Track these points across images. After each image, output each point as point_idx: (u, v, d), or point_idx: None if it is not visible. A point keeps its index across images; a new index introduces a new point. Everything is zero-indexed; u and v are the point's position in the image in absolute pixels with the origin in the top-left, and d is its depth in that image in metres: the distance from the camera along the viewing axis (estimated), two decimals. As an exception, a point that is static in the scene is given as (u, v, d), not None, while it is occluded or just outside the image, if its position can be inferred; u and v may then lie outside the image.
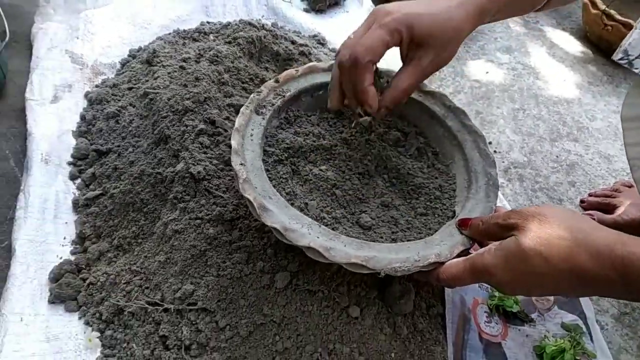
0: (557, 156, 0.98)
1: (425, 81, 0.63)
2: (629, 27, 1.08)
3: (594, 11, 1.13)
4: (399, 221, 0.59)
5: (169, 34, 1.05)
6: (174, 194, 0.65)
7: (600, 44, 1.20)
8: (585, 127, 1.05)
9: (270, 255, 0.60)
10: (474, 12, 0.56)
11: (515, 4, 0.60)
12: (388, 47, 0.55)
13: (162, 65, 0.91)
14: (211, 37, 1.01)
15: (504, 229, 0.49)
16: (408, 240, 0.56)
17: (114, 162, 0.78)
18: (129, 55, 1.04)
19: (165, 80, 0.85)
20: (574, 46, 1.26)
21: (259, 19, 1.08)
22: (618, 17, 1.09)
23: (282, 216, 0.51)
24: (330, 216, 0.57)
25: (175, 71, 0.87)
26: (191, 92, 0.75)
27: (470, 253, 0.53)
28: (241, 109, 0.60)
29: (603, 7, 1.10)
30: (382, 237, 0.56)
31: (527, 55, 1.21)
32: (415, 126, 0.69)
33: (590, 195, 0.90)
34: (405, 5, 0.55)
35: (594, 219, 0.85)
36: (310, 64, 0.67)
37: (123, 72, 1.00)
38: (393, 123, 0.69)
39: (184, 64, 0.88)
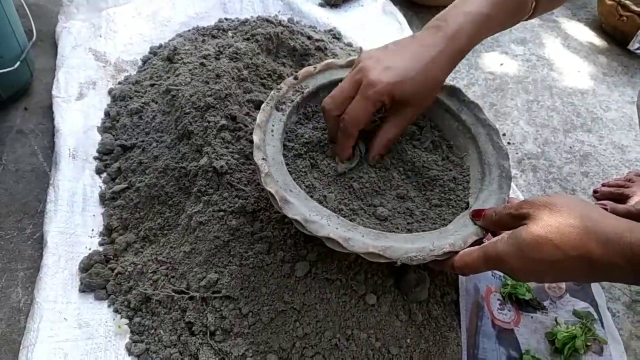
0: (570, 147, 0.99)
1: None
2: (644, 17, 1.09)
3: (609, 2, 1.13)
4: (414, 212, 0.61)
5: (189, 31, 1.08)
6: (198, 187, 0.68)
7: (616, 35, 1.20)
8: (599, 117, 1.05)
9: (290, 245, 0.63)
10: (452, 60, 0.60)
11: (495, 29, 0.63)
12: (372, 114, 0.60)
13: (182, 62, 0.94)
14: (229, 34, 1.03)
15: (516, 218, 0.51)
16: (423, 231, 0.59)
17: (139, 156, 0.81)
18: (149, 53, 1.08)
19: (186, 77, 0.88)
20: (589, 37, 1.26)
21: (276, 15, 1.11)
22: (634, 7, 1.09)
23: (302, 208, 0.54)
24: (348, 208, 0.60)
25: (196, 68, 0.89)
26: (212, 89, 0.77)
27: (484, 242, 0.55)
28: (262, 106, 0.62)
29: (618, -3, 1.11)
30: (398, 228, 0.59)
31: (542, 46, 1.21)
32: (429, 120, 0.71)
33: (603, 185, 0.91)
34: (385, 68, 0.58)
35: (606, 209, 0.86)
36: (328, 61, 0.69)
37: (144, 69, 1.03)
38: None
39: (204, 60, 0.90)
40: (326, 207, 0.58)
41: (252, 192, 0.66)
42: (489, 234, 0.58)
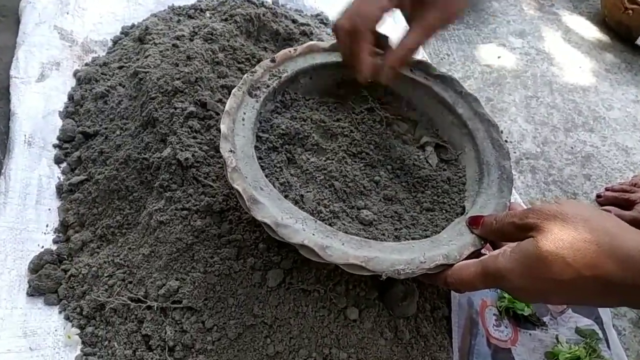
0: (571, 147, 0.93)
1: (434, 64, 0.58)
2: (652, 11, 1.02)
3: (614, -6, 1.07)
4: (402, 217, 0.54)
5: (164, 10, 1.00)
6: (160, 181, 0.60)
7: (620, 29, 1.13)
8: (601, 116, 0.99)
9: (262, 250, 0.55)
10: None
11: None
12: (388, 11, 0.54)
13: (154, 43, 0.86)
14: (207, 14, 0.95)
15: (521, 229, 0.44)
16: (413, 238, 0.52)
17: (100, 145, 0.73)
18: (121, 33, 0.99)
19: (156, 59, 0.80)
20: (591, 31, 1.19)
21: (259, -5, 1.02)
22: (640, 0, 1.02)
23: (274, 209, 0.46)
24: (327, 210, 0.52)
25: (168, 49, 0.81)
26: (182, 71, 0.69)
27: (483, 254, 0.48)
28: (233, 90, 0.55)
29: (624, -11, 1.04)
30: (384, 234, 0.52)
31: (542, 40, 1.15)
32: (422, 114, 0.64)
33: (607, 189, 0.85)
34: None
35: (610, 215, 0.80)
36: (310, 42, 0.62)
37: (114, 50, 0.95)
38: (396, 109, 0.64)
39: (177, 42, 0.82)
40: (302, 208, 0.51)
41: (221, 189, 0.58)
42: (488, 244, 0.51)
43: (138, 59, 0.85)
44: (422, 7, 0.54)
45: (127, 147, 0.67)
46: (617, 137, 0.95)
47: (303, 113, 0.60)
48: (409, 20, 0.57)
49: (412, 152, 0.59)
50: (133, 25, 1.00)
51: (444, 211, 0.56)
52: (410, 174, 0.58)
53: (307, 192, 0.53)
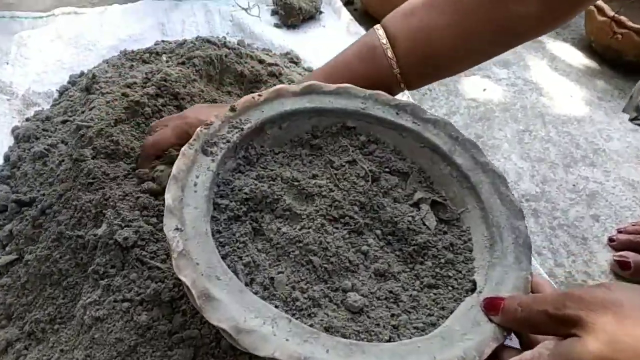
0: (574, 185, 0.84)
1: (416, 101, 0.49)
2: (643, 34, 0.96)
3: (600, 18, 1.00)
4: (400, 297, 0.43)
5: (115, 56, 0.90)
6: (95, 266, 0.48)
7: (607, 55, 1.07)
8: (601, 149, 0.91)
9: (225, 349, 0.44)
10: None
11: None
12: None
13: (100, 93, 0.75)
14: (164, 57, 0.85)
15: (558, 322, 0.34)
16: (415, 328, 0.41)
17: (36, 217, 0.61)
18: (68, 82, 0.89)
19: (101, 112, 0.69)
20: (578, 58, 1.13)
21: (223, 37, 0.93)
22: (630, 23, 0.96)
23: (234, 307, 0.35)
24: (305, 296, 0.41)
25: (116, 99, 0.71)
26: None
27: (509, 348, 0.38)
28: (182, 149, 0.44)
29: (612, 13, 0.98)
30: (378, 325, 0.41)
31: (527, 69, 1.08)
32: (413, 163, 0.54)
33: (619, 231, 0.76)
34: None
35: (628, 263, 0.70)
36: (277, 86, 0.52)
37: (59, 103, 0.84)
38: (382, 160, 0.53)
39: (127, 90, 0.72)
40: (274, 296, 0.40)
41: (172, 271, 0.47)
42: (513, 334, 0.40)
43: (83, 112, 0.75)
44: None
45: (63, 221, 0.56)
46: (621, 171, 0.87)
47: (271, 170, 0.49)
48: None
49: (405, 212, 0.49)
50: (82, 74, 0.90)
51: (449, 287, 0.45)
52: (405, 241, 0.48)
53: (279, 272, 0.42)
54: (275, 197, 0.47)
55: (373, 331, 0.40)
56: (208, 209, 0.42)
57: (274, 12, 1.11)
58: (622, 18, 0.97)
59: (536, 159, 0.88)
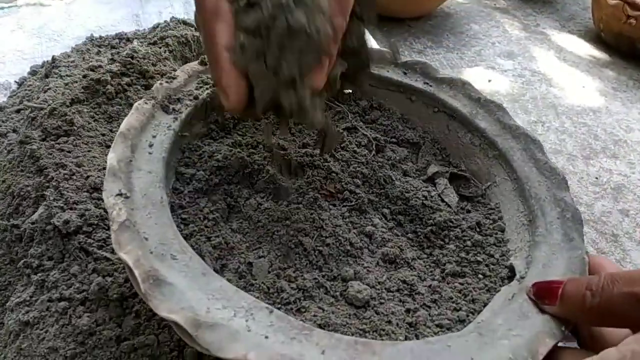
0: (596, 177, 0.75)
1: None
2: (660, 16, 0.88)
3: (612, 2, 0.93)
4: (416, 289, 0.33)
5: (81, 42, 0.81)
6: (28, 258, 0.38)
7: (620, 43, 0.99)
8: (622, 140, 0.82)
9: (191, 359, 0.33)
10: None
11: None
12: None
13: (60, 76, 0.66)
14: (135, 42, 0.76)
15: None
16: (438, 325, 0.31)
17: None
18: (29, 73, 0.80)
19: (57, 93, 0.60)
20: (586, 49, 1.05)
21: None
22: (645, 5, 0.89)
23: (193, 295, 0.25)
24: (293, 286, 0.31)
25: (75, 82, 0.62)
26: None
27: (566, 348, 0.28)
28: (136, 104, 0.34)
29: (624, -5, 0.91)
30: (390, 322, 0.30)
31: (533, 60, 1.00)
32: (425, 132, 0.45)
33: (655, 226, 0.66)
34: None
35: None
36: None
37: (17, 93, 0.75)
38: (388, 128, 0.44)
39: (90, 72, 0.62)
40: (252, 286, 0.30)
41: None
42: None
43: (39, 98, 0.65)
44: None
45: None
46: (647, 162, 0.78)
47: (251, 137, 0.40)
48: None
49: (418, 188, 0.40)
50: (44, 64, 0.81)
51: (480, 276, 0.35)
52: (420, 220, 0.38)
53: (259, 257, 0.32)
54: (256, 166, 0.37)
55: (383, 330, 0.30)
56: (164, 177, 0.32)
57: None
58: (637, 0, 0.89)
59: (552, 150, 0.79)
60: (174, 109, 0.36)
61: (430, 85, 0.45)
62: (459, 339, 0.27)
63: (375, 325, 0.30)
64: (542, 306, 0.30)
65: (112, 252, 0.38)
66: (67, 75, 0.66)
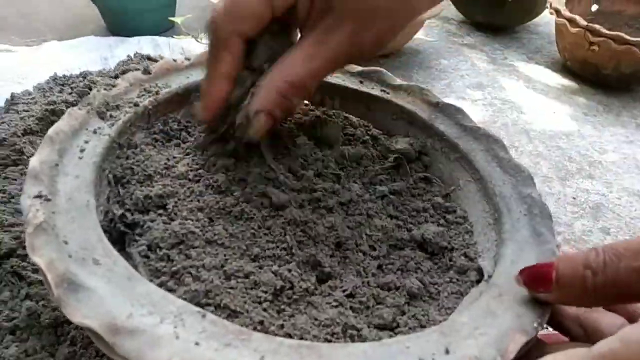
0: (574, 197, 0.73)
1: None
2: (620, 41, 0.90)
3: (573, 30, 0.95)
4: (383, 296, 0.30)
5: (45, 81, 0.79)
6: (-49, 285, 0.34)
7: (585, 71, 1.01)
8: (597, 161, 0.82)
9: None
10: None
11: None
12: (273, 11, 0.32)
13: (16, 112, 0.64)
14: (97, 78, 0.75)
15: None
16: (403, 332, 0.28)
17: None
18: (-13, 114, 0.78)
19: (10, 126, 0.58)
20: (554, 78, 1.07)
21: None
22: (605, 31, 0.90)
23: (114, 300, 0.22)
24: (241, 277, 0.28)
25: (32, 116, 0.60)
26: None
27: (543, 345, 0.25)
28: (68, 110, 0.32)
29: (585, 23, 0.92)
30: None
31: (503, 90, 1.00)
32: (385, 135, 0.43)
33: None
34: None
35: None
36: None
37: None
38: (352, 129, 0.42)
39: (50, 106, 0.61)
40: (189, 289, 0.26)
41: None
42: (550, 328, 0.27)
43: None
44: (325, 14, 0.32)
45: None
46: (624, 182, 0.77)
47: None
48: (301, 28, 0.34)
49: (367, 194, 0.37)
50: (5, 103, 0.79)
51: (451, 281, 0.32)
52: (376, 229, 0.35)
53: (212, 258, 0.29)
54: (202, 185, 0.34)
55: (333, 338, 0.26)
56: (97, 180, 0.29)
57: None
58: (596, 26, 0.91)
59: (527, 173, 0.78)
60: (111, 115, 0.33)
61: (388, 93, 0.43)
62: (418, 340, 0.24)
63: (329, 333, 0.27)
64: (536, 295, 0.26)
65: (47, 275, 0.34)
66: (24, 111, 0.64)
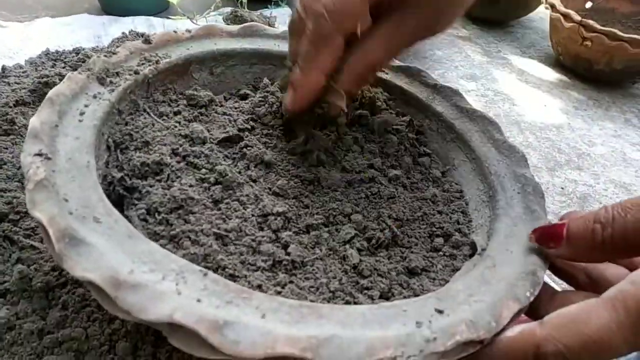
0: (562, 188, 0.74)
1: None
2: (613, 37, 0.91)
3: (567, 25, 0.96)
4: (361, 271, 0.30)
5: (37, 56, 0.78)
6: (-57, 248, 0.34)
7: (578, 66, 1.02)
8: (585, 153, 0.83)
9: (123, 354, 0.30)
10: None
11: None
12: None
13: (7, 84, 0.63)
14: (92, 53, 0.74)
15: None
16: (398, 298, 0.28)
17: None
18: (-23, 89, 0.76)
19: (1, 98, 0.57)
20: (547, 72, 1.08)
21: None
22: (598, 26, 0.91)
23: (115, 256, 0.22)
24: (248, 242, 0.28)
25: (24, 88, 0.59)
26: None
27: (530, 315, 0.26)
28: (68, 74, 0.32)
29: (579, 18, 0.93)
30: (343, 291, 0.28)
31: (496, 82, 1.01)
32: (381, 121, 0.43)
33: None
34: None
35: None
36: (209, 24, 0.41)
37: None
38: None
39: (43, 79, 0.60)
40: (196, 250, 0.26)
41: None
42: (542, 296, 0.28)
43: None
44: (400, 4, 0.33)
45: None
46: (611, 174, 0.78)
47: (205, 120, 0.37)
48: (374, 15, 0.35)
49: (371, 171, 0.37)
50: (-4, 79, 0.77)
51: (444, 255, 0.33)
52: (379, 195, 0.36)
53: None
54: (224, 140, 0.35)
55: (334, 296, 0.27)
56: (94, 145, 0.29)
57: (225, 30, 1.03)
58: (590, 22, 0.92)
59: (517, 163, 0.79)
60: (111, 81, 0.33)
61: (387, 73, 0.44)
62: (415, 304, 0.24)
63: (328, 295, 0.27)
64: (547, 251, 0.28)
65: (41, 241, 0.34)
66: (15, 83, 0.63)
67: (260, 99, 0.38)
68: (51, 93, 0.30)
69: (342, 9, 0.31)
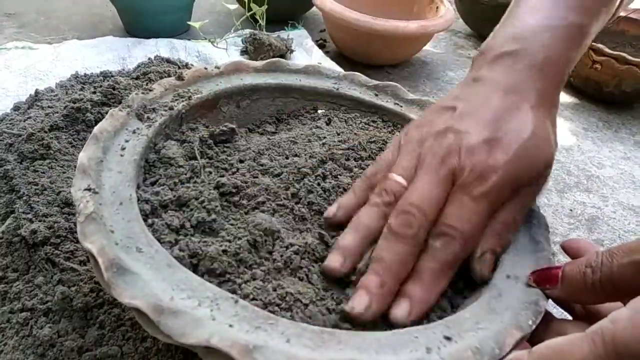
0: (570, 210, 0.76)
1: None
2: (623, 61, 0.93)
3: (578, 49, 0.98)
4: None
5: (66, 79, 0.82)
6: (-9, 269, 0.37)
7: (587, 88, 1.04)
8: (594, 175, 0.84)
9: (156, 370, 0.32)
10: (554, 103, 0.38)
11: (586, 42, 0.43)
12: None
13: (40, 107, 0.67)
14: (120, 78, 0.78)
15: None
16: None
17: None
18: (11, 109, 0.80)
19: (36, 121, 0.61)
20: (557, 94, 1.09)
21: (186, 62, 0.87)
22: (608, 50, 0.93)
23: (157, 285, 0.25)
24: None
25: (57, 112, 0.63)
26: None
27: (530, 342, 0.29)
28: (110, 111, 0.35)
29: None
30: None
31: (507, 103, 1.03)
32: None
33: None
34: (488, 140, 0.34)
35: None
36: (236, 59, 0.44)
37: (-4, 128, 0.75)
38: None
39: (72, 104, 0.63)
40: (233, 282, 0.29)
41: (92, 273, 0.36)
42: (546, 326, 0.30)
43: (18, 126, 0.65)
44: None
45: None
46: (619, 196, 0.80)
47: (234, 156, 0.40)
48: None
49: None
50: (28, 99, 0.81)
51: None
52: None
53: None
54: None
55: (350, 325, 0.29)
56: (135, 177, 0.32)
57: (243, 52, 1.06)
58: (600, 46, 0.94)
59: (527, 185, 0.81)
60: (148, 117, 0.36)
61: (401, 106, 0.46)
62: (426, 331, 0.27)
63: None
64: (544, 291, 0.31)
65: (80, 263, 0.37)
66: (48, 107, 0.67)
67: None
68: (96, 130, 0.33)
69: (471, 232, 0.32)
